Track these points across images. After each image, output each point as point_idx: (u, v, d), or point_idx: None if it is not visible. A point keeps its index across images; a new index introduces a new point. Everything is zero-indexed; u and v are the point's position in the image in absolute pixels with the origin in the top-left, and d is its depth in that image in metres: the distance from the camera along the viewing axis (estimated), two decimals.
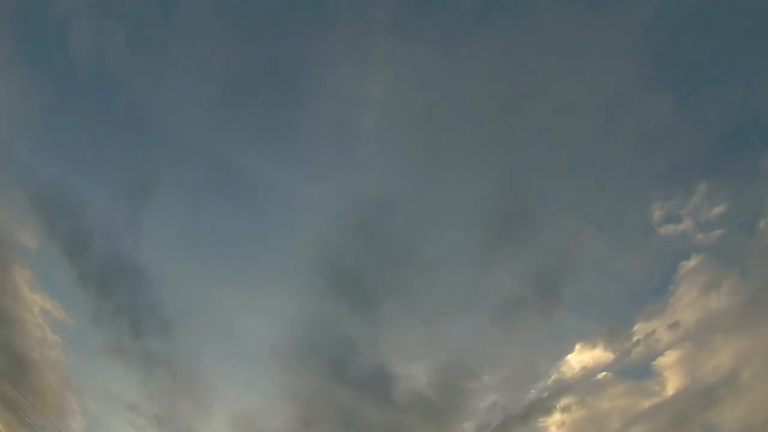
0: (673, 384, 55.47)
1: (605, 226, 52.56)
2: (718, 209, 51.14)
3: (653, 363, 55.99)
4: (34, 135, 58.07)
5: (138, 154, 58.96)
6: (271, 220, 60.15)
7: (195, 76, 56.57)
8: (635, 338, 56.81)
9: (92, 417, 67.10)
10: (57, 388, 66.62)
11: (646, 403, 56.41)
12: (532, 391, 62.31)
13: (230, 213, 60.80)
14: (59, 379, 65.55)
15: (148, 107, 57.63)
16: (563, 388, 61.55)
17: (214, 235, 61.38)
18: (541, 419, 62.61)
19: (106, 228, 60.11)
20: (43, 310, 64.42)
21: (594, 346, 58.50)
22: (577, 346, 59.53)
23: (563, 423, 61.24)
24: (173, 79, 56.85)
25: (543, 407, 62.78)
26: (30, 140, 58.51)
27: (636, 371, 56.65)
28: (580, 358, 58.51)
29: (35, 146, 59.27)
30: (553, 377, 61.36)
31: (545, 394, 62.10)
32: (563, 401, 61.91)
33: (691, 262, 54.40)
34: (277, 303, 61.09)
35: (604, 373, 58.57)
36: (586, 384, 59.40)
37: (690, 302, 54.74)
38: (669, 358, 56.15)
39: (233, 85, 57.62)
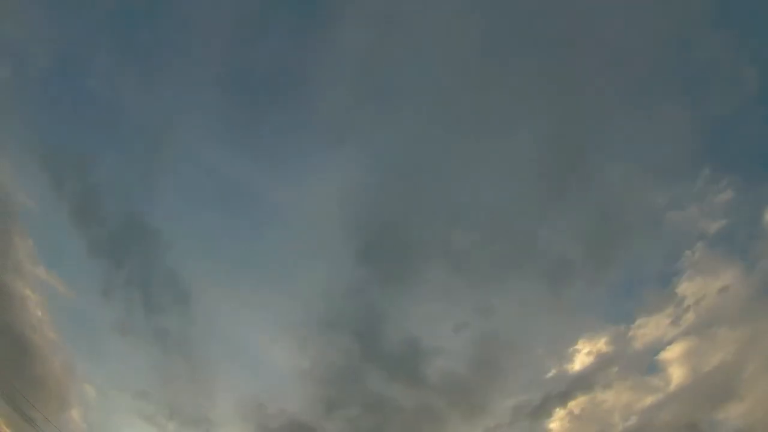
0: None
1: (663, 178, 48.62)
2: None
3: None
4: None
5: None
6: (298, 180, 55.80)
7: None
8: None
9: (97, 406, 61.43)
10: (60, 374, 60.95)
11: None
12: (580, 365, 57.82)
13: (252, 173, 56.57)
14: (62, 364, 59.90)
15: None
16: (615, 362, 57.09)
17: (236, 197, 57.06)
18: (587, 397, 58.03)
19: (117, 188, 55.82)
20: (44, 285, 58.98)
21: (652, 313, 54.15)
22: (637, 315, 55.27)
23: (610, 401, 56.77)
24: None
25: (588, 384, 58.21)
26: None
27: None
28: (641, 327, 54.07)
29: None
30: (605, 350, 56.84)
31: (595, 369, 57.59)
32: (611, 377, 57.56)
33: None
34: (302, 271, 56.14)
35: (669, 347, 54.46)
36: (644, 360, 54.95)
37: None
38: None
39: None
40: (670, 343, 53.68)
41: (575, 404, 59.06)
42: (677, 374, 53.39)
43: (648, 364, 53.78)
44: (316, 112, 52.63)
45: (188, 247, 55.51)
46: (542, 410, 59.47)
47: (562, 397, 58.75)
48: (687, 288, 51.56)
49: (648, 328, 54.61)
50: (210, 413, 59.10)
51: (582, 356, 56.91)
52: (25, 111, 52.51)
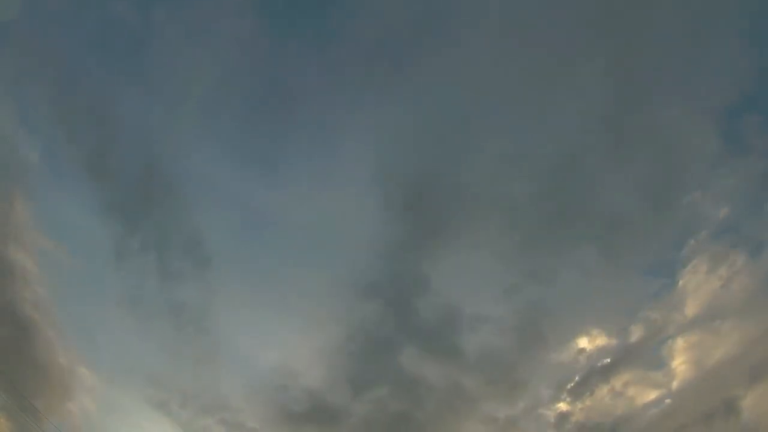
0: None
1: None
2: None
3: None
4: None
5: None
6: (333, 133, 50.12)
7: None
8: None
9: (103, 394, 54.47)
10: (63, 359, 54.71)
11: None
12: (630, 336, 54.22)
13: (286, 130, 50.60)
14: (65, 347, 53.54)
15: None
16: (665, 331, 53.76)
17: (267, 155, 50.93)
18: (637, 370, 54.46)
19: (137, 136, 47.68)
20: (47, 255, 51.71)
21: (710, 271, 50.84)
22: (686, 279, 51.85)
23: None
24: None
25: (638, 356, 54.70)
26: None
27: None
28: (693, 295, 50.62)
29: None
30: (659, 318, 53.42)
31: (646, 339, 54.14)
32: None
33: None
34: (333, 234, 50.86)
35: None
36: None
37: None
38: None
39: None
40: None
41: (619, 380, 55.83)
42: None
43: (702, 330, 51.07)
44: (357, 54, 48.16)
45: (212, 207, 49.64)
46: (585, 386, 55.88)
47: (607, 372, 55.36)
48: None
49: (700, 295, 51.97)
50: (227, 398, 53.20)
51: (631, 327, 53.68)
52: (38, 41, 45.68)
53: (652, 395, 55.53)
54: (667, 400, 53.53)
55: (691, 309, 50.44)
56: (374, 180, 45.73)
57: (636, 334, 52.83)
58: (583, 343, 53.66)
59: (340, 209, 46.65)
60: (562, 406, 57.15)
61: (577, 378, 55.00)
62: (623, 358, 54.46)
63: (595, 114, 44.03)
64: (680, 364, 52.40)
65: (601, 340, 53.46)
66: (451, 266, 46.55)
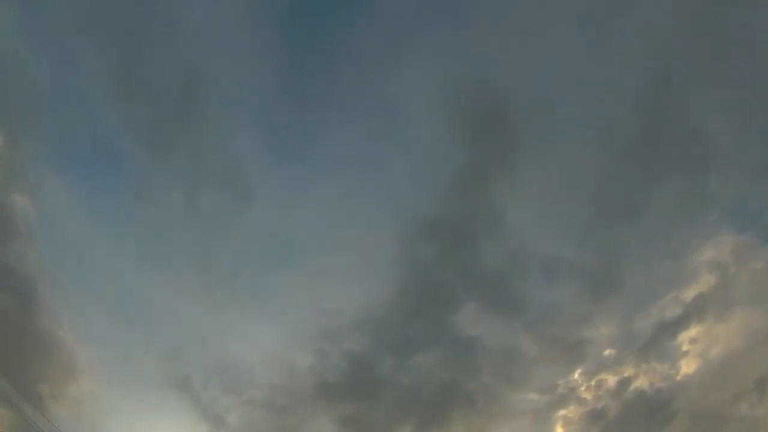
0: None
1: None
2: None
3: None
4: None
5: None
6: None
7: None
8: None
9: (114, 374, 46.32)
10: (66, 334, 46.15)
11: None
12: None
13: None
14: (69, 320, 45.70)
15: None
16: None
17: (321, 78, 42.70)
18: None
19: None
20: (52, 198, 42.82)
21: None
22: None
23: None
24: None
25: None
26: None
27: None
28: None
29: None
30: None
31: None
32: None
33: None
34: (397, 158, 42.64)
35: None
36: None
37: None
38: None
39: None
40: None
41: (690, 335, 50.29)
42: None
43: None
44: None
45: (255, 134, 41.30)
46: (652, 345, 50.18)
47: (676, 328, 49.71)
48: None
49: None
50: (256, 372, 45.18)
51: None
52: None
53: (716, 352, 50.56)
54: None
55: None
56: (440, 98, 38.77)
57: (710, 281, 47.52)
58: (658, 292, 48.01)
59: (401, 134, 39.62)
60: (626, 370, 51.49)
61: (644, 335, 49.36)
62: (695, 310, 49.12)
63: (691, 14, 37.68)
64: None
65: (677, 290, 47.93)
66: (524, 201, 40.47)
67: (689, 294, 47.87)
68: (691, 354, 49.84)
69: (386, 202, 42.57)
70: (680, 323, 49.19)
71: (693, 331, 50.13)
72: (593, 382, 51.59)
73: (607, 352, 49.15)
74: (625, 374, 51.52)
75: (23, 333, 47.78)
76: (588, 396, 52.62)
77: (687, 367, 50.97)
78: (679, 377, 51.30)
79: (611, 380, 51.77)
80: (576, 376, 50.17)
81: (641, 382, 51.63)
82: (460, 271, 42.69)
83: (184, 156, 40.93)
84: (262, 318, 46.31)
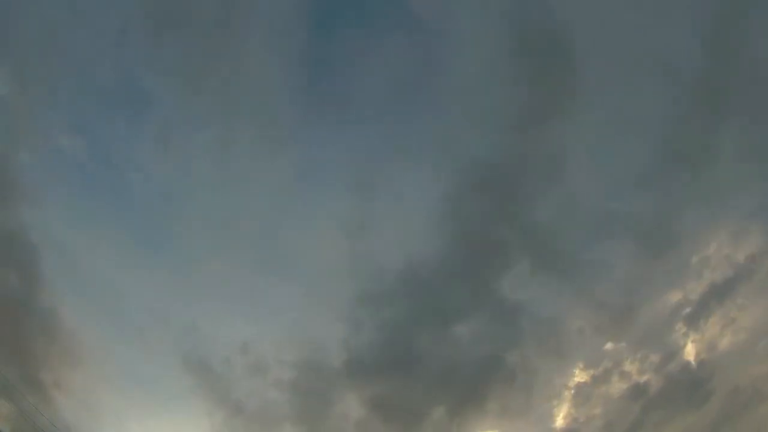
0: None
1: None
2: None
3: None
4: None
5: None
6: None
7: None
8: None
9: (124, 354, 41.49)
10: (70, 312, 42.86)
11: None
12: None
13: None
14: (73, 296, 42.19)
15: None
16: None
17: None
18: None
19: None
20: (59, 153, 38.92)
21: None
22: None
23: None
24: None
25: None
26: None
27: None
28: None
29: None
30: None
31: None
32: None
33: None
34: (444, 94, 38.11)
35: None
36: None
37: None
38: None
39: None
40: None
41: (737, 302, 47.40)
42: None
43: None
44: None
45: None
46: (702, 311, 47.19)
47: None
48: None
49: None
50: (283, 348, 40.95)
51: None
52: None
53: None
54: None
55: None
56: (496, 33, 34.94)
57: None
58: (713, 251, 44.84)
59: (452, 70, 35.52)
60: (672, 340, 48.48)
61: (693, 300, 46.17)
62: (747, 272, 46.12)
63: None
64: None
65: (733, 249, 44.82)
66: (581, 147, 36.58)
67: (741, 255, 45.06)
68: (738, 323, 46.97)
69: (435, 145, 38.49)
70: (731, 288, 46.33)
71: (739, 299, 47.41)
72: (639, 354, 48.49)
73: (655, 319, 46.05)
74: (671, 345, 48.53)
75: (25, 313, 43.02)
76: (632, 369, 49.55)
77: (734, 336, 48.26)
78: (723, 348, 48.64)
79: (657, 351, 48.74)
80: (622, 346, 47.02)
81: (686, 354, 48.76)
82: (510, 227, 39.06)
83: (215, 98, 36.15)
84: (291, 284, 42.02)
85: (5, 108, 35.20)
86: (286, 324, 41.35)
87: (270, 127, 37.95)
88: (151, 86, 37.16)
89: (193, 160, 39.58)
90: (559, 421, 50.28)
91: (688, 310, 45.23)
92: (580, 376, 46.85)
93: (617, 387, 49.10)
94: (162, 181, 41.08)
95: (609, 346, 45.97)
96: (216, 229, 40.28)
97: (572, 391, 48.08)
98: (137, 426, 47.58)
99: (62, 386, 48.63)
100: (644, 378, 49.22)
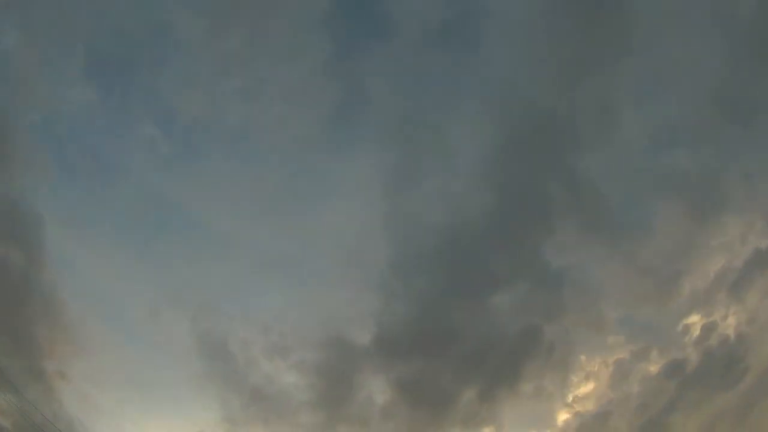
0: None
1: None
2: None
3: None
4: None
5: None
6: None
7: None
8: None
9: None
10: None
11: None
12: None
13: None
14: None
15: None
16: None
17: None
18: None
19: None
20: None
21: None
22: None
23: None
24: None
25: None
26: None
27: None
28: None
29: None
30: None
31: None
32: None
33: None
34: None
35: None
36: None
37: None
38: None
39: None
40: None
41: None
42: None
43: None
44: None
45: None
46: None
47: None
48: None
49: None
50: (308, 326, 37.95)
51: None
52: None
53: None
54: None
55: None
56: None
57: None
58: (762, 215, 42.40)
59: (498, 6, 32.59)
60: (714, 311, 46.03)
61: (737, 267, 43.63)
62: None
63: None
64: None
65: None
66: (633, 99, 33.93)
67: None
68: None
69: (481, 94, 35.26)
70: None
71: None
72: (680, 327, 46.03)
73: (697, 288, 43.53)
74: (712, 317, 46.12)
75: (27, 294, 39.65)
76: (670, 344, 47.12)
77: None
78: (762, 321, 46.39)
79: (697, 324, 46.32)
80: (662, 318, 44.50)
81: (726, 327, 46.42)
82: (556, 184, 36.14)
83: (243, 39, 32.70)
84: (319, 251, 38.70)
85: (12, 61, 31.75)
86: (312, 297, 38.33)
87: (300, 69, 34.57)
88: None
89: (217, 109, 36.19)
90: (594, 402, 47.83)
91: (731, 278, 42.79)
92: (619, 352, 44.35)
93: (655, 363, 46.69)
94: (181, 135, 37.43)
95: (649, 318, 43.44)
96: (238, 189, 36.96)
97: (610, 368, 45.52)
98: (146, 416, 44.45)
99: (66, 376, 45.39)
100: (682, 353, 46.87)
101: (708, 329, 46.12)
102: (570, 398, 47.15)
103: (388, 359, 39.64)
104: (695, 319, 44.65)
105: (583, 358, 43.02)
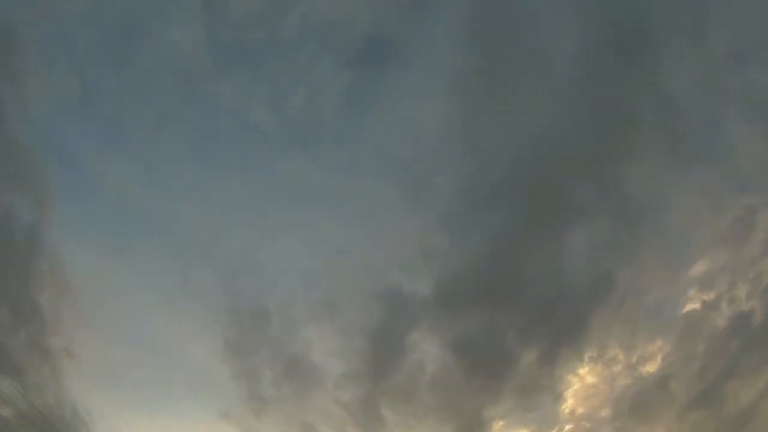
0: None
1: None
2: None
3: None
4: None
5: None
6: None
7: None
8: None
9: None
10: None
11: None
12: None
13: None
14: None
15: None
16: None
17: None
18: None
19: None
20: None
21: None
22: None
23: None
24: None
25: None
26: None
27: None
28: None
29: None
30: None
31: None
32: None
33: None
34: None
35: None
36: None
37: None
38: None
39: None
40: None
41: None
42: None
43: None
44: None
45: None
46: None
47: None
48: None
49: None
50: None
51: None
52: None
53: None
54: None
55: None
56: None
57: None
58: None
59: None
60: None
61: None
62: None
63: None
64: None
65: None
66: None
67: None
68: None
69: None
70: None
71: None
72: (750, 274, 42.30)
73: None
74: None
75: (33, 255, 34.22)
76: (740, 294, 43.40)
77: None
78: None
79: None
80: (739, 263, 40.71)
81: None
82: (642, 103, 31.72)
83: None
84: (374, 180, 33.59)
85: None
86: (364, 240, 33.28)
87: None
88: None
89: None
90: (656, 364, 44.05)
91: None
92: (690, 302, 40.56)
93: (723, 317, 43.00)
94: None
95: (724, 262, 39.74)
96: (275, 111, 31.44)
97: (680, 322, 41.65)
98: (158, 401, 38.98)
99: (73, 353, 39.66)
100: (749, 305, 43.19)
101: None
102: (634, 359, 43.25)
103: (447, 314, 35.14)
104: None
105: (655, 309, 39.08)
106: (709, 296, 41.06)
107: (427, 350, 38.31)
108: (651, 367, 43.88)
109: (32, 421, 37.60)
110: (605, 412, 42.41)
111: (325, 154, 34.84)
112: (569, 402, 43.86)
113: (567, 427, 42.76)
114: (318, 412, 38.92)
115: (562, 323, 38.10)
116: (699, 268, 38.72)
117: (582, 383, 44.26)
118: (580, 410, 44.03)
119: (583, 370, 43.48)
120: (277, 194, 35.47)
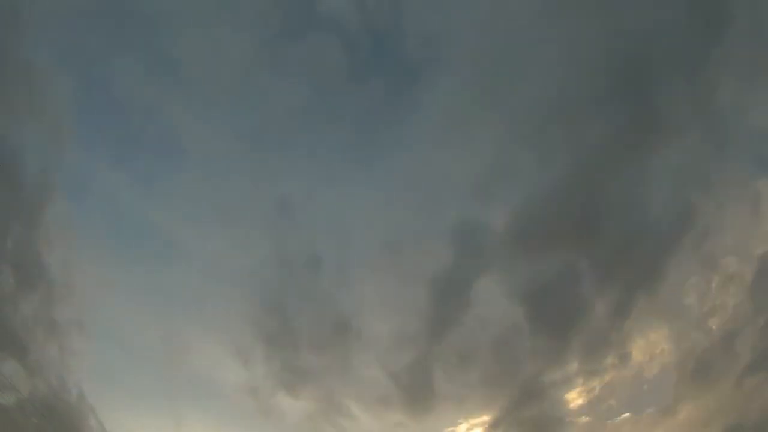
0: None
1: None
2: None
3: None
4: None
5: None
6: None
7: None
8: None
9: None
10: None
11: None
12: None
13: None
14: None
15: None
16: None
17: None
18: None
19: None
20: None
21: None
22: None
23: None
24: None
25: None
26: None
27: None
28: None
29: None
30: None
31: None
32: None
33: None
34: None
35: None
36: None
37: None
38: None
39: None
40: None
41: None
42: None
43: None
44: None
45: None
46: None
47: None
48: None
49: None
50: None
51: None
52: None
53: None
54: None
55: None
56: None
57: None
58: None
59: None
60: None
61: None
62: None
63: None
64: None
65: None
66: None
67: None
68: None
69: None
70: None
71: None
72: None
73: None
74: None
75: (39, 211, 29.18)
76: None
77: None
78: None
79: None
80: None
81: None
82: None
83: None
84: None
85: None
86: (427, 162, 28.61)
87: None
88: None
89: None
90: (725, 317, 40.51)
91: None
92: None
93: None
94: None
95: None
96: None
97: (755, 265, 38.11)
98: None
99: (84, 326, 34.21)
100: None
101: None
102: (705, 308, 39.65)
103: (521, 255, 30.78)
104: None
105: (732, 247, 35.54)
106: None
107: (494, 303, 33.95)
108: (722, 318, 40.35)
109: (34, 405, 31.99)
110: (668, 377, 38.63)
111: None
112: (634, 363, 40.12)
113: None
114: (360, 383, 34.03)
115: (638, 267, 34.28)
116: None
117: (648, 341, 40.55)
118: (645, 373, 40.31)
119: (653, 324, 39.79)
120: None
